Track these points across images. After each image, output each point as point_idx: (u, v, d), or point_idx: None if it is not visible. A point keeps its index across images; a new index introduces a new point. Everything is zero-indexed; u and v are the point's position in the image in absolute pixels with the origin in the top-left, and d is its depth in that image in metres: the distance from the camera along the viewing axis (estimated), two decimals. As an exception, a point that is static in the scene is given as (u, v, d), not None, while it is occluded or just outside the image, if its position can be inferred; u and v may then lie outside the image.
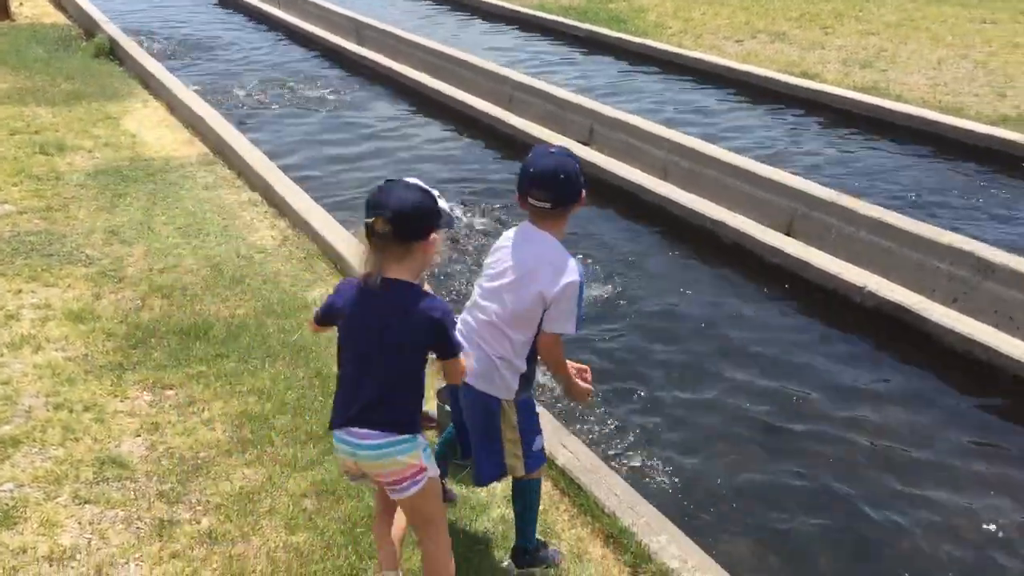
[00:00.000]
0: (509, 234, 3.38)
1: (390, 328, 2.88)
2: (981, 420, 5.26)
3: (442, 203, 2.99)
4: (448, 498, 3.78)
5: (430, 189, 2.95)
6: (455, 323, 3.13)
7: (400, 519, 3.27)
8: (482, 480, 3.52)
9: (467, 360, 3.06)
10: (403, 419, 2.93)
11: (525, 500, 3.53)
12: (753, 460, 4.82)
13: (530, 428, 3.42)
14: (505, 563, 3.64)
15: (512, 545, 3.63)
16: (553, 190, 3.21)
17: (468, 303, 3.43)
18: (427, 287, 3.07)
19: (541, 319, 3.23)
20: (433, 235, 2.91)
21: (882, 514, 4.45)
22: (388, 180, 2.96)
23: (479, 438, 3.42)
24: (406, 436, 2.91)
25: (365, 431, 2.90)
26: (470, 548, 3.69)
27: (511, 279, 3.25)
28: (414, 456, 2.93)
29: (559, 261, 3.22)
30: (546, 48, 15.12)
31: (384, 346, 2.88)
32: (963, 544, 4.27)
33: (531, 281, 3.20)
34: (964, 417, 5.26)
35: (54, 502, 3.86)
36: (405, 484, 2.95)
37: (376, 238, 2.84)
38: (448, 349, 2.93)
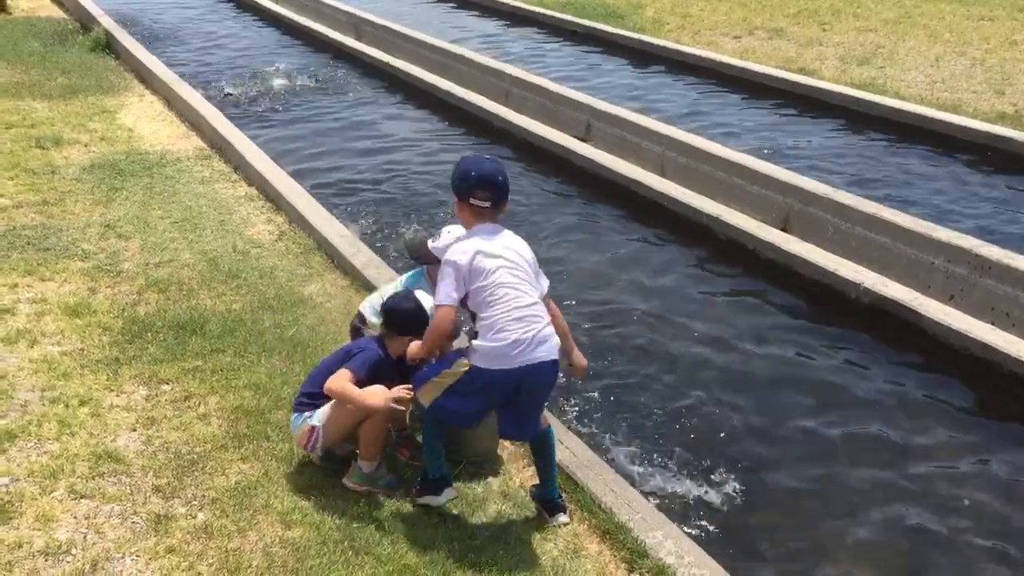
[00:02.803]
0: (479, 239, 3.79)
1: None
2: (977, 416, 5.26)
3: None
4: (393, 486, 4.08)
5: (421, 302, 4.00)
6: (364, 360, 3.88)
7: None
8: (535, 433, 3.90)
9: (343, 383, 3.82)
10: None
11: (553, 449, 3.95)
12: (750, 457, 4.82)
13: None
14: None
15: (538, 496, 3.97)
16: (493, 191, 3.81)
17: (498, 316, 3.67)
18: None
19: None
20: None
21: (881, 514, 4.45)
22: (398, 293, 4.14)
23: (541, 401, 3.87)
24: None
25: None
26: (469, 544, 3.71)
27: (525, 265, 3.79)
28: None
29: (518, 239, 3.90)
30: (543, 44, 15.09)
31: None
32: (969, 546, 4.28)
33: (529, 258, 3.84)
34: (960, 414, 5.27)
35: (50, 496, 3.85)
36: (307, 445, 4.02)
37: None
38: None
